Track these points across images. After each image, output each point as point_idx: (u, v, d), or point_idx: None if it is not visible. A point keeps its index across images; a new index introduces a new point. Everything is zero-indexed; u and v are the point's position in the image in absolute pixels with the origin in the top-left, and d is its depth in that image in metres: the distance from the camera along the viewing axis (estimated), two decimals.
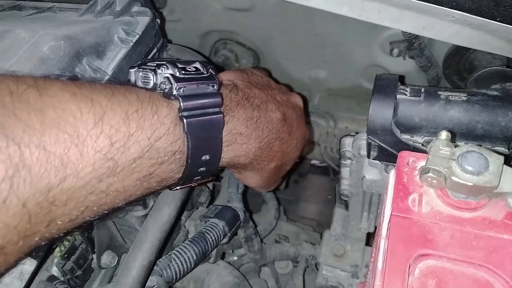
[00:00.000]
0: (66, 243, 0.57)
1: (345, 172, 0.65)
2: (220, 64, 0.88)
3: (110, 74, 0.46)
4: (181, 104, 0.41)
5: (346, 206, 0.76)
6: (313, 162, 1.24)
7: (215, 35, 0.89)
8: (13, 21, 0.51)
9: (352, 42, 0.77)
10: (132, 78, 0.45)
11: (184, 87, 0.42)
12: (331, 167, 1.12)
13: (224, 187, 0.82)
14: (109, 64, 0.48)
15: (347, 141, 0.61)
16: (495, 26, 0.49)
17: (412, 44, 0.70)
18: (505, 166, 0.33)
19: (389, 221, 0.35)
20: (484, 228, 0.33)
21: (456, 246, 0.33)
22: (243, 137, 0.49)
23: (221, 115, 0.45)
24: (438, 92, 0.47)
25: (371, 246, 0.75)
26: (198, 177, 0.47)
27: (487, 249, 0.32)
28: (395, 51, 0.73)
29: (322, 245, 0.75)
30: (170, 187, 0.47)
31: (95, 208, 0.37)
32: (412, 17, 0.52)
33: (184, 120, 0.41)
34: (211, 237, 0.58)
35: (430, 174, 0.33)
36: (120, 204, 0.40)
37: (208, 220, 0.62)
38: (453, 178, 0.33)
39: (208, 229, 0.59)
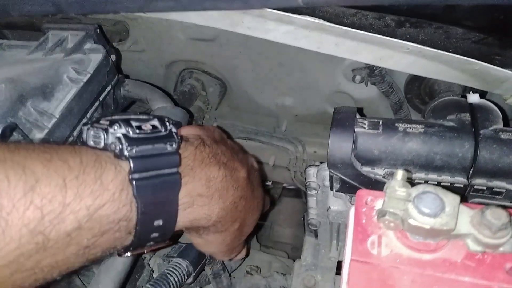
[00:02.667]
0: None
1: (312, 201, 0.64)
2: (187, 93, 0.86)
3: (58, 116, 0.44)
4: (131, 165, 0.38)
5: (316, 234, 0.75)
6: (285, 185, 1.23)
7: (180, 65, 0.88)
8: None
9: (316, 70, 0.77)
10: (84, 136, 0.42)
11: (137, 147, 0.39)
12: (303, 190, 1.11)
13: None
14: (57, 105, 0.45)
15: (312, 171, 0.60)
16: (448, 57, 0.50)
17: (373, 71, 0.71)
18: (461, 206, 0.33)
19: (349, 266, 0.34)
20: (445, 270, 0.33)
21: None
22: (204, 198, 0.46)
23: (177, 176, 0.42)
24: (396, 124, 0.47)
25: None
26: (151, 243, 0.43)
27: None
28: (357, 78, 0.74)
29: (293, 276, 0.73)
30: (118, 253, 0.43)
31: (24, 284, 0.33)
32: (369, 49, 0.52)
33: (134, 183, 0.38)
34: (174, 279, 0.56)
35: (386, 217, 0.33)
36: (56, 277, 0.36)
37: (171, 260, 0.59)
38: (410, 221, 0.32)
39: (170, 270, 0.56)
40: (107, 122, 0.40)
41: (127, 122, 0.41)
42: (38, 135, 0.42)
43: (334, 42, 0.53)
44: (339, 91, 0.80)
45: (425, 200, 0.32)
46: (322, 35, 0.52)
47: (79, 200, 0.34)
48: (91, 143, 0.41)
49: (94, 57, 0.50)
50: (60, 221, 0.33)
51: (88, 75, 0.48)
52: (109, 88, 0.52)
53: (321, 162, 0.62)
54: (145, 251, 0.45)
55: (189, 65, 0.87)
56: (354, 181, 0.49)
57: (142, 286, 0.59)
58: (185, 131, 0.51)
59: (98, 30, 0.54)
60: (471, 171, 0.46)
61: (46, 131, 0.43)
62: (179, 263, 0.58)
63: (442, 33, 0.48)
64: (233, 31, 0.56)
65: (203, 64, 0.86)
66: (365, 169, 0.48)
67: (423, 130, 0.46)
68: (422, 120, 0.50)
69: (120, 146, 0.39)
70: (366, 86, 0.75)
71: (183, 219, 0.44)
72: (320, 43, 0.53)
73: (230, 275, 0.72)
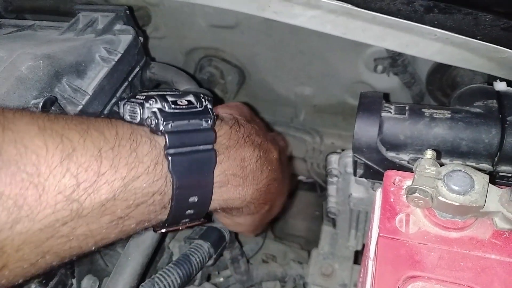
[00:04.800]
0: None
1: (331, 189, 0.65)
2: (205, 81, 0.87)
3: (91, 94, 0.45)
4: (166, 140, 0.38)
5: (334, 224, 0.75)
6: (300, 178, 1.23)
7: (200, 52, 0.89)
8: None
9: (337, 59, 0.77)
10: (121, 111, 0.42)
11: (173, 122, 0.39)
12: (318, 183, 1.11)
13: None
14: (89, 84, 0.46)
15: (333, 158, 0.61)
16: (476, 44, 0.50)
17: (395, 61, 0.71)
18: (490, 185, 0.33)
19: (377, 243, 0.35)
20: (471, 248, 0.33)
21: (444, 267, 0.32)
22: (238, 178, 0.45)
23: (213, 153, 0.42)
24: (422, 110, 0.48)
25: (359, 264, 0.75)
26: (186, 220, 0.44)
27: (475, 269, 0.32)
28: (379, 68, 0.74)
29: (310, 264, 0.74)
30: (154, 228, 0.43)
31: (59, 253, 0.34)
32: (396, 35, 0.52)
33: (169, 158, 0.38)
34: (196, 259, 0.56)
35: (416, 194, 0.33)
36: (92, 248, 0.37)
37: (193, 242, 0.60)
38: (440, 198, 0.32)
39: (192, 251, 0.57)
40: (143, 97, 0.41)
41: (163, 97, 0.41)
42: (72, 111, 0.44)
43: (360, 27, 0.53)
44: (360, 81, 0.80)
45: (455, 178, 0.32)
46: (349, 20, 0.52)
47: (114, 171, 0.35)
48: (127, 117, 0.41)
49: (124, 38, 0.51)
50: (94, 190, 0.34)
51: (119, 55, 0.49)
52: (137, 69, 0.53)
53: (343, 150, 0.62)
54: (180, 228, 0.45)
55: (209, 52, 0.88)
56: (378, 166, 0.49)
57: (163, 268, 0.60)
58: (219, 110, 0.51)
59: (127, 11, 0.55)
60: (496, 158, 0.46)
61: (79, 107, 0.44)
62: (200, 245, 0.59)
63: (470, 19, 0.48)
64: (259, 15, 0.56)
65: (222, 52, 0.87)
66: (390, 154, 0.49)
67: (449, 116, 0.46)
68: (448, 106, 0.50)
69: (156, 121, 0.39)
70: (388, 76, 0.75)
71: (217, 198, 0.44)
72: (347, 28, 0.53)
73: (248, 261, 0.73)
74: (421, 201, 0.33)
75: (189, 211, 0.42)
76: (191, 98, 0.43)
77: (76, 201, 0.33)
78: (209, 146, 0.41)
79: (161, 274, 0.53)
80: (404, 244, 0.34)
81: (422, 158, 0.35)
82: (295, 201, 1.28)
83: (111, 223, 0.36)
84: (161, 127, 0.39)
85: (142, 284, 0.52)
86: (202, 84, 0.86)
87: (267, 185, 0.50)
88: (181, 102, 0.41)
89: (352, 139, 0.48)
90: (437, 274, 0.32)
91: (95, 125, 0.36)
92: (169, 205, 0.40)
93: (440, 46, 0.52)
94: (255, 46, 0.81)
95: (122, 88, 0.51)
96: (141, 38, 0.55)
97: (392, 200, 0.36)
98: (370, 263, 0.37)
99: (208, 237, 0.61)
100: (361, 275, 0.49)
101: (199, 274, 0.62)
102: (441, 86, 0.73)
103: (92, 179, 0.34)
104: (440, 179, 0.33)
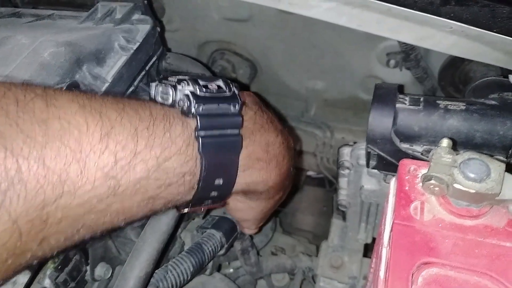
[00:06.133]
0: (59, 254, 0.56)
1: (343, 182, 0.65)
2: (217, 74, 0.88)
3: (110, 81, 0.46)
4: (198, 123, 0.39)
5: (344, 217, 0.76)
6: (309, 173, 1.24)
7: (212, 45, 0.89)
8: (13, 28, 0.51)
9: (349, 53, 0.78)
10: (152, 93, 0.43)
11: (204, 105, 0.40)
12: (327, 178, 1.12)
13: None
14: (108, 72, 0.47)
15: (346, 150, 0.61)
16: (492, 37, 0.49)
17: (408, 55, 0.71)
18: (506, 173, 0.33)
19: (391, 229, 0.35)
20: (486, 235, 0.33)
21: (459, 254, 0.33)
22: (262, 163, 0.46)
23: (239, 137, 0.43)
24: (437, 101, 0.48)
25: (369, 257, 0.75)
26: (209, 201, 0.45)
27: (490, 256, 0.32)
28: (392, 62, 0.74)
29: (320, 256, 0.74)
30: (177, 208, 0.45)
31: (92, 227, 0.35)
32: (411, 28, 0.52)
33: (200, 140, 0.39)
34: (208, 248, 0.57)
35: (432, 181, 0.33)
36: (121, 224, 0.38)
37: (205, 231, 0.61)
38: (455, 185, 0.32)
39: (205, 240, 0.58)
40: (175, 79, 0.42)
41: (195, 81, 0.42)
42: None
43: (376, 20, 0.53)
44: (372, 76, 0.80)
45: (471, 165, 0.33)
46: (365, 13, 0.52)
47: (149, 149, 0.36)
48: (158, 99, 0.42)
49: (142, 27, 0.52)
50: (130, 168, 0.34)
51: (138, 44, 0.50)
52: (154, 58, 0.54)
53: (355, 142, 0.62)
54: (202, 209, 0.46)
55: (221, 46, 0.89)
56: (392, 157, 0.49)
57: (174, 257, 0.61)
58: (244, 96, 0.52)
59: (145, 1, 0.56)
60: (511, 150, 0.46)
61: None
62: (213, 234, 0.60)
63: (487, 11, 0.48)
64: (274, 7, 0.57)
65: (234, 45, 0.87)
66: (404, 146, 0.49)
67: (464, 107, 0.47)
68: (463, 98, 0.50)
69: (188, 103, 0.40)
70: (401, 70, 0.75)
71: (241, 181, 0.45)
72: (362, 20, 0.54)
73: (258, 253, 0.74)
74: (437, 188, 0.34)
75: (213, 193, 0.43)
76: (220, 83, 0.43)
77: (113, 178, 0.34)
78: (236, 131, 0.42)
79: (174, 262, 0.54)
80: (419, 231, 0.34)
81: (438, 146, 0.35)
82: (303, 196, 1.29)
83: (142, 202, 0.37)
84: (193, 110, 0.40)
85: (156, 271, 0.53)
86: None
87: (288, 170, 0.51)
88: (211, 86, 0.42)
89: (366, 130, 0.49)
90: (452, 261, 0.32)
91: (130, 104, 0.37)
92: (197, 186, 0.41)
93: (455, 39, 0.52)
94: (267, 39, 0.82)
95: (140, 77, 0.52)
96: (158, 28, 0.56)
97: (407, 188, 0.37)
98: (384, 251, 0.37)
99: (220, 227, 0.61)
100: (373, 265, 0.50)
101: (210, 264, 0.63)
102: (453, 82, 0.73)
103: (129, 157, 0.34)
104: (456, 167, 0.33)
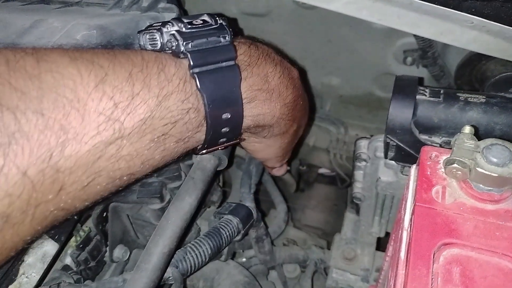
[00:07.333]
0: (81, 233, 0.58)
1: (358, 175, 0.66)
2: None
3: None
4: (190, 60, 0.39)
5: (357, 211, 0.76)
6: (321, 171, 1.25)
7: None
8: (44, 12, 0.53)
9: (366, 50, 0.78)
10: (141, 42, 0.43)
11: (192, 42, 0.40)
12: (339, 176, 1.12)
13: (235, 188, 0.82)
14: None
15: (363, 143, 0.62)
16: None
17: (426, 53, 0.72)
18: None
19: (413, 212, 0.36)
20: (507, 219, 0.34)
21: (479, 236, 0.33)
22: (264, 93, 0.46)
23: (236, 68, 0.43)
24: (457, 94, 0.49)
25: (382, 251, 0.76)
26: (223, 139, 0.45)
27: (510, 239, 0.33)
28: (409, 59, 0.75)
29: (333, 248, 0.75)
30: (194, 151, 0.45)
31: (109, 174, 0.36)
32: (431, 23, 0.53)
33: (196, 77, 0.39)
34: (226, 233, 0.58)
35: (455, 165, 0.34)
36: (140, 169, 0.38)
37: (223, 217, 0.62)
38: (478, 169, 0.33)
39: (223, 225, 0.59)
40: (160, 23, 0.42)
41: (178, 19, 0.42)
42: None
43: (396, 13, 0.54)
44: (388, 73, 0.81)
45: (494, 150, 0.34)
46: (385, 6, 0.53)
47: (147, 90, 0.36)
48: (148, 46, 0.43)
49: (168, 15, 0.53)
50: (132, 110, 0.35)
51: None
52: None
53: (371, 135, 0.63)
54: (219, 149, 0.47)
55: None
56: (410, 148, 0.50)
57: (190, 242, 0.62)
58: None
59: None
60: None
61: None
62: (230, 219, 0.61)
63: (510, 7, 0.49)
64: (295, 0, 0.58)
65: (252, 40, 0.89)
66: (423, 137, 0.50)
67: (484, 100, 0.47)
68: (483, 92, 0.50)
69: (176, 43, 0.40)
70: (417, 68, 0.76)
71: (248, 114, 0.45)
72: (382, 14, 0.54)
73: (272, 242, 0.75)
74: (459, 172, 0.35)
75: (224, 129, 0.43)
76: (205, 17, 0.44)
77: (117, 121, 0.35)
78: (231, 62, 0.43)
79: (193, 244, 0.55)
80: (440, 213, 0.35)
81: (461, 133, 0.36)
82: (314, 194, 1.29)
83: (153, 142, 0.38)
84: (182, 48, 0.40)
85: (176, 252, 0.54)
86: None
87: (293, 101, 0.51)
88: (196, 22, 0.42)
89: (386, 120, 0.49)
90: (472, 242, 0.33)
91: (121, 52, 0.38)
92: (205, 123, 0.42)
93: (475, 34, 0.53)
94: (284, 34, 0.83)
95: None
96: None
97: (428, 173, 0.38)
98: (404, 233, 0.38)
99: (237, 213, 0.62)
100: (389, 254, 0.50)
101: (226, 250, 0.64)
102: (470, 80, 0.74)
103: (128, 99, 0.35)
104: (479, 152, 0.34)
